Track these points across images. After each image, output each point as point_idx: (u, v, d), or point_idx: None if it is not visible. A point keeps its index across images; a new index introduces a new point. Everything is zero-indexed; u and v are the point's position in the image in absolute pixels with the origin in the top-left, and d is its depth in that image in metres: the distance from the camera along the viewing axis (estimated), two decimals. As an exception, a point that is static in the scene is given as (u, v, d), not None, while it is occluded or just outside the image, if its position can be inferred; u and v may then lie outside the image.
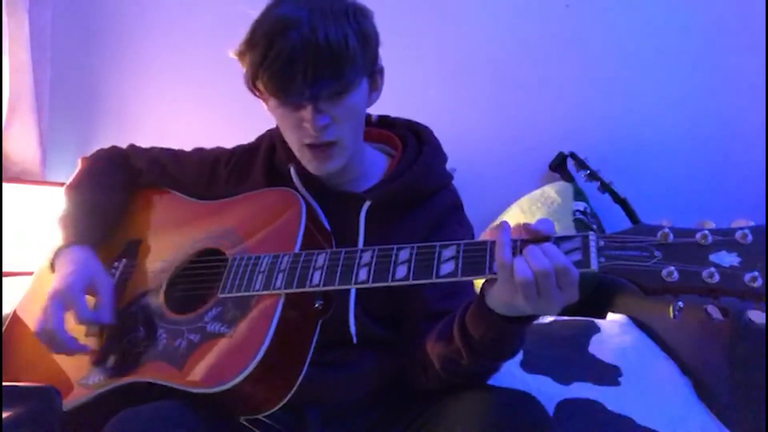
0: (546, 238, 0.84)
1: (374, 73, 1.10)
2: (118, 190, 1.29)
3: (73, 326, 1.16)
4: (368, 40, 1.04)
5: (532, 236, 0.85)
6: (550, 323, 1.69)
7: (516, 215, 2.02)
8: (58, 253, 1.17)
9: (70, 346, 1.07)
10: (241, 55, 1.06)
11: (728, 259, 0.74)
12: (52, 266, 1.16)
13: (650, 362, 1.51)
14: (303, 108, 1.02)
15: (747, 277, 0.72)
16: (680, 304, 0.76)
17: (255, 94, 1.10)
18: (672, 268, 0.75)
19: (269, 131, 1.25)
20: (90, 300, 1.10)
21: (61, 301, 1.07)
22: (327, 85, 1.00)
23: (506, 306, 0.87)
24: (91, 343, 1.12)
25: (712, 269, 0.74)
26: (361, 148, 1.16)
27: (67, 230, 1.21)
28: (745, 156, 2.18)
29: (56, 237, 1.21)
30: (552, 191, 2.05)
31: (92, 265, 1.14)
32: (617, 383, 1.43)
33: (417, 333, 1.07)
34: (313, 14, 0.99)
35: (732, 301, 0.74)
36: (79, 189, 1.27)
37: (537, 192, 2.08)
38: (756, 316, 0.73)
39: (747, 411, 1.30)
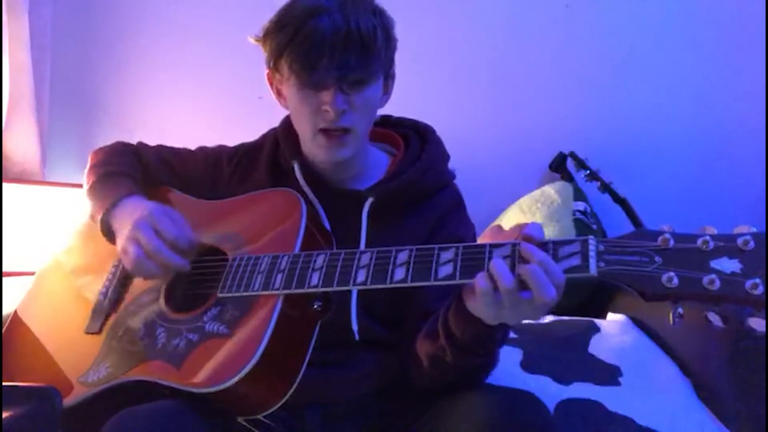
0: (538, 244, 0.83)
1: (388, 76, 1.13)
2: (135, 173, 1.28)
3: (69, 324, 1.17)
4: (390, 40, 1.09)
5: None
6: (550, 323, 1.69)
7: (516, 215, 2.02)
8: (113, 209, 1.14)
9: (175, 262, 1.06)
10: (265, 35, 1.08)
11: (729, 265, 0.73)
12: (105, 224, 1.14)
13: (650, 362, 1.51)
14: (326, 89, 1.03)
15: (748, 284, 0.71)
16: (680, 310, 0.75)
17: (273, 79, 1.12)
18: (672, 273, 0.75)
19: (273, 130, 1.25)
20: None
21: (148, 224, 1.06)
22: (353, 70, 1.03)
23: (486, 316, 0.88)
24: (91, 340, 1.12)
25: (713, 276, 0.73)
26: (365, 145, 1.16)
27: (109, 192, 1.18)
28: (744, 156, 2.18)
29: (91, 207, 1.20)
30: (552, 191, 2.05)
31: (156, 202, 1.13)
32: (617, 383, 1.43)
33: (415, 332, 1.07)
34: (344, 4, 1.02)
35: (733, 308, 0.73)
36: (105, 164, 1.25)
37: (537, 192, 2.08)
38: (756, 323, 0.72)
39: (747, 411, 1.30)
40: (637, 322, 1.67)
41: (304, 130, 1.11)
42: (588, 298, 1.86)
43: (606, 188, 2.07)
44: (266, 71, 1.14)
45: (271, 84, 1.16)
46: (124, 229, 1.09)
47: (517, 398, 0.96)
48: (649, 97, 2.22)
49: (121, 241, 1.09)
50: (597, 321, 1.67)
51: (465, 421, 0.93)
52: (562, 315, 1.73)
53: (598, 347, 1.55)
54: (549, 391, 1.38)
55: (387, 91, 1.15)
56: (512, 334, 1.61)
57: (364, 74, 1.04)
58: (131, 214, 1.10)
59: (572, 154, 2.14)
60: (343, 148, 1.08)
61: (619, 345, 1.56)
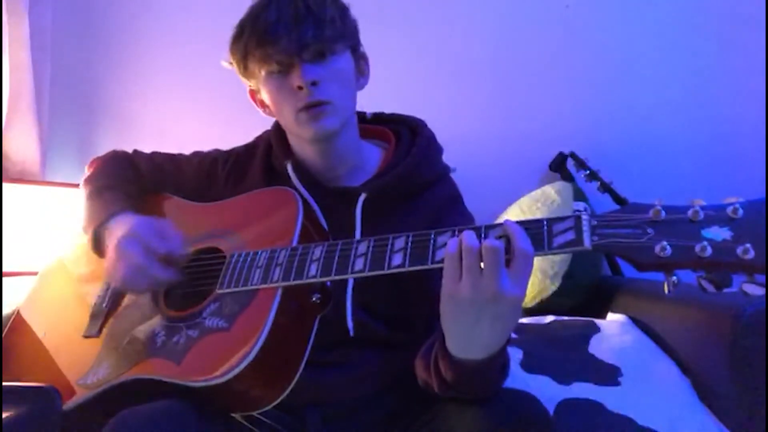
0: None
1: (357, 53, 1.15)
2: (132, 184, 1.29)
3: (70, 327, 1.17)
4: (345, 11, 1.11)
5: None
6: (550, 323, 1.69)
7: (516, 215, 2.02)
8: (105, 225, 1.15)
9: (165, 275, 1.06)
10: (231, 52, 1.12)
11: (720, 233, 0.74)
12: (96, 241, 1.15)
13: (650, 362, 1.50)
14: (292, 68, 1.06)
15: (739, 249, 0.72)
16: (674, 279, 0.76)
17: (255, 94, 1.15)
18: (665, 243, 0.76)
19: (267, 132, 1.26)
20: None
21: (136, 240, 1.06)
22: (311, 42, 1.05)
23: (455, 337, 0.87)
24: (90, 343, 1.12)
25: (705, 243, 0.74)
26: (356, 140, 1.17)
27: (102, 206, 1.19)
28: (744, 156, 2.18)
29: (84, 219, 1.20)
30: (552, 191, 2.05)
31: (147, 217, 1.14)
32: (617, 383, 1.43)
33: (424, 331, 1.07)
34: None
35: (725, 275, 0.74)
36: (100, 177, 1.27)
37: (537, 192, 2.08)
38: (751, 289, 0.73)
39: (747, 411, 1.30)
40: (637, 322, 1.66)
41: (287, 118, 1.11)
42: (588, 298, 1.86)
43: (606, 188, 2.07)
44: (248, 90, 1.18)
45: (254, 100, 1.19)
46: (112, 246, 1.09)
47: (515, 399, 0.95)
48: (649, 97, 2.23)
49: (108, 258, 1.09)
50: (597, 321, 1.67)
51: (465, 421, 0.92)
52: (562, 315, 1.73)
53: (598, 347, 1.55)
54: (549, 391, 1.38)
55: (362, 73, 1.17)
56: (512, 334, 1.61)
57: (322, 46, 1.07)
58: (119, 230, 1.10)
59: (572, 154, 2.14)
60: (326, 118, 1.08)
61: (619, 345, 1.56)
